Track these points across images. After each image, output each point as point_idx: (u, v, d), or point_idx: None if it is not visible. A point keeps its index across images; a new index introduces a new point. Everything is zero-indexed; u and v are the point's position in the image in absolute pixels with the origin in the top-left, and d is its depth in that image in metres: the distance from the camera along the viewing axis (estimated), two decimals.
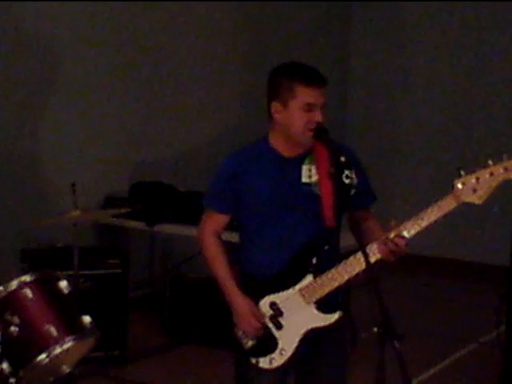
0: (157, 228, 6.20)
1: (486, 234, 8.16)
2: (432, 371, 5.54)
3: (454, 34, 8.73)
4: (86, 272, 5.34)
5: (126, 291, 5.65)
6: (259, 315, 3.08)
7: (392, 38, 9.14)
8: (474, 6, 8.42)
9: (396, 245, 2.93)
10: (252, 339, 3.10)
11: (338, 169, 3.00)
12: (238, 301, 3.10)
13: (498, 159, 2.85)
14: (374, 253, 2.97)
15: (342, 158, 3.01)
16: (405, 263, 6.28)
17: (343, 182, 3.02)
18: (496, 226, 7.32)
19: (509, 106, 8.41)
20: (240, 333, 3.12)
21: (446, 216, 2.94)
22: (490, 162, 2.84)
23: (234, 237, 3.28)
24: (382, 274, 5.81)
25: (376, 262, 2.99)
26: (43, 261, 5.23)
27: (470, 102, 8.61)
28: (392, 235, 2.94)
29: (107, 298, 5.48)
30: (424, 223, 2.94)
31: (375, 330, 2.78)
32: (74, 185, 4.11)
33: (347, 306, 5.89)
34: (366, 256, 2.84)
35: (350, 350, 5.62)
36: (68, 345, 3.49)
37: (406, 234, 2.95)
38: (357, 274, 3.02)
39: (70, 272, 4.29)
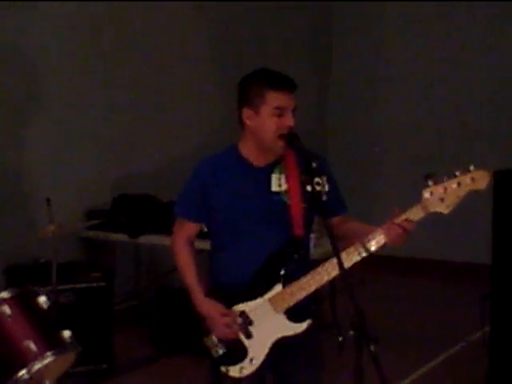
0: (140, 239, 6.21)
1: (467, 233, 8.19)
2: (418, 373, 5.55)
3: (435, 37, 8.76)
4: (70, 286, 5.37)
5: (111, 304, 5.66)
6: (229, 313, 3.08)
7: (373, 41, 9.17)
8: (458, 7, 8.49)
9: (404, 228, 2.93)
10: (222, 348, 3.09)
11: (310, 175, 3.01)
12: (207, 306, 3.11)
13: (465, 169, 2.87)
14: (351, 257, 2.96)
15: (314, 164, 3.02)
16: (388, 265, 6.35)
17: (313, 189, 3.01)
18: (476, 224, 7.33)
19: (490, 106, 8.46)
20: (209, 342, 3.12)
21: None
22: (458, 173, 2.87)
23: (206, 244, 3.28)
24: (365, 277, 5.84)
25: (353, 265, 2.99)
26: (25, 277, 5.24)
27: (452, 102, 8.65)
28: (398, 220, 2.93)
29: (92, 312, 5.49)
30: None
31: (351, 333, 2.79)
32: (48, 200, 4.12)
33: (333, 311, 5.93)
34: (340, 261, 2.84)
35: (338, 355, 5.64)
36: (48, 360, 3.48)
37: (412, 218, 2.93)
38: (326, 283, 3.03)
39: (51, 287, 4.29)
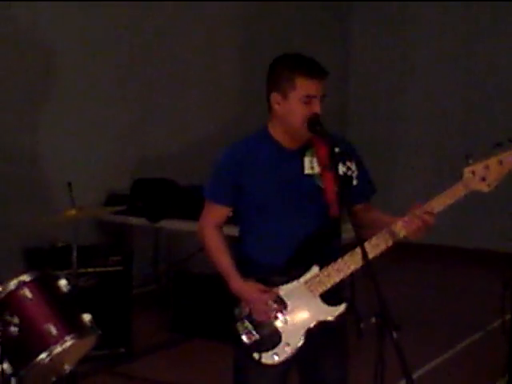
0: (159, 224, 6.21)
1: (489, 221, 8.15)
2: (438, 360, 5.53)
3: (454, 21, 8.71)
4: (89, 270, 5.37)
5: (130, 288, 5.66)
6: (270, 290, 3.01)
7: (392, 25, 9.13)
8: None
9: (424, 221, 2.91)
10: (255, 334, 3.02)
11: (334, 160, 2.98)
12: (246, 287, 3.03)
13: (506, 147, 2.85)
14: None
15: (336, 149, 2.99)
16: (409, 252, 6.33)
17: (344, 174, 3.03)
18: (499, 212, 7.29)
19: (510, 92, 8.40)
20: (242, 328, 3.05)
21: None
22: (499, 151, 2.85)
23: (232, 231, 3.24)
24: (386, 263, 5.82)
25: (381, 252, 2.96)
26: (45, 260, 5.26)
27: (472, 89, 8.60)
28: (419, 212, 2.91)
29: (111, 296, 5.49)
30: (434, 211, 2.93)
31: (373, 320, 2.76)
32: (70, 184, 4.12)
33: (352, 297, 5.92)
34: (363, 248, 2.81)
35: (356, 341, 5.63)
36: (68, 343, 3.47)
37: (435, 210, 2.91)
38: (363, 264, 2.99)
39: (71, 270, 4.30)
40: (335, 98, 8.92)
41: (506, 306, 4.96)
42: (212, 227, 3.15)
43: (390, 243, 2.94)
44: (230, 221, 3.23)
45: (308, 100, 2.97)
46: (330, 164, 2.99)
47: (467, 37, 8.61)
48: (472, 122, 8.53)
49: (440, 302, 7.07)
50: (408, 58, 9.02)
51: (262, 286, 3.02)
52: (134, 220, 6.26)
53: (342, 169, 3.05)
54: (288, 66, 3.01)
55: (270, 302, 3.00)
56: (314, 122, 3.00)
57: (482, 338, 6.00)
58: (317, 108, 2.99)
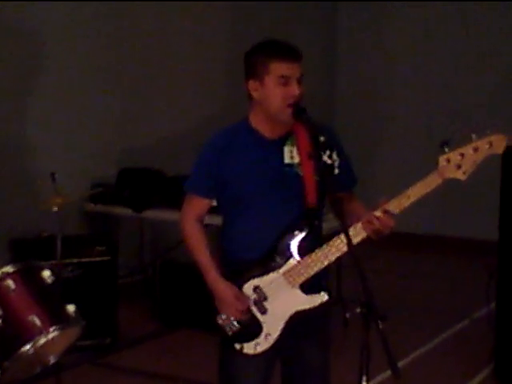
0: (145, 214, 6.19)
1: (474, 209, 8.18)
2: (424, 348, 5.54)
3: (440, 9, 8.71)
4: (75, 260, 5.36)
5: (115, 278, 5.66)
6: (243, 298, 3.02)
7: (378, 15, 9.12)
8: None
9: (382, 223, 2.88)
10: (235, 325, 3.04)
11: (318, 149, 2.97)
12: (221, 287, 3.03)
13: (481, 134, 2.80)
14: (360, 232, 2.93)
15: (321, 138, 2.97)
16: (394, 241, 6.35)
17: (324, 163, 2.99)
18: (483, 201, 7.32)
19: (494, 82, 8.43)
20: (221, 320, 3.07)
21: (432, 192, 2.91)
22: (474, 137, 2.80)
23: (215, 220, 3.22)
24: (372, 252, 5.84)
25: (361, 241, 2.95)
26: (30, 251, 5.22)
27: (460, 77, 8.62)
28: (378, 213, 2.87)
29: (97, 286, 5.49)
30: (410, 201, 2.89)
31: (358, 310, 2.75)
32: (53, 174, 4.09)
33: (338, 287, 5.92)
34: (349, 237, 2.80)
35: (343, 330, 5.64)
36: (52, 335, 3.46)
37: (393, 211, 2.88)
38: (341, 255, 2.98)
39: (55, 261, 4.27)
40: (322, 90, 8.93)
41: (492, 294, 4.97)
42: (192, 220, 3.13)
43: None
44: (214, 210, 3.21)
45: (284, 81, 2.94)
46: (313, 153, 2.98)
47: (455, 26, 8.62)
48: (461, 111, 8.53)
49: (426, 290, 7.09)
50: (396, 45, 9.02)
51: (236, 291, 3.01)
52: (119, 210, 6.24)
53: (323, 158, 3.02)
54: (261, 52, 3.00)
55: (241, 308, 2.99)
56: (298, 111, 2.99)
57: (467, 327, 6.02)
58: (294, 89, 2.96)
